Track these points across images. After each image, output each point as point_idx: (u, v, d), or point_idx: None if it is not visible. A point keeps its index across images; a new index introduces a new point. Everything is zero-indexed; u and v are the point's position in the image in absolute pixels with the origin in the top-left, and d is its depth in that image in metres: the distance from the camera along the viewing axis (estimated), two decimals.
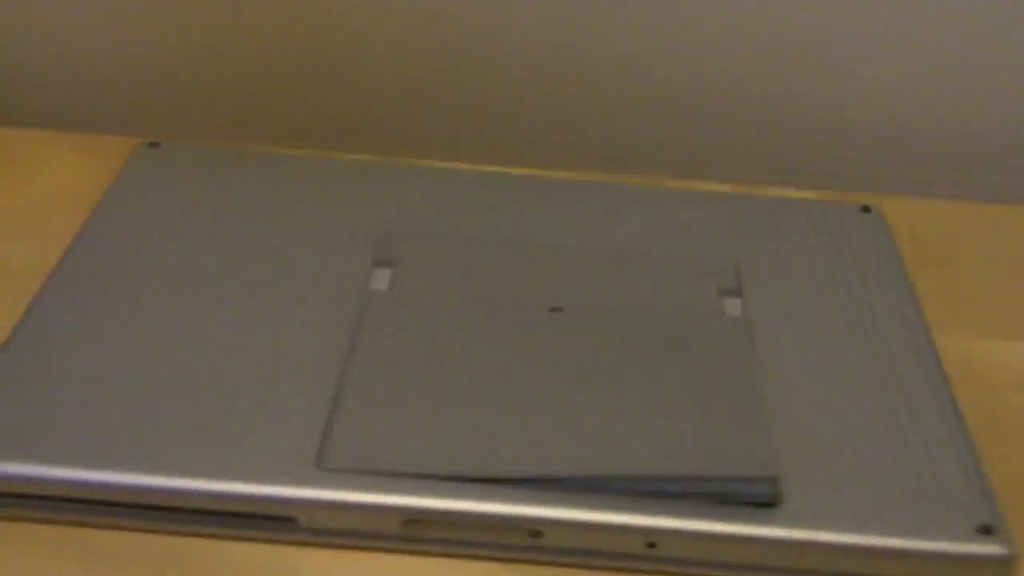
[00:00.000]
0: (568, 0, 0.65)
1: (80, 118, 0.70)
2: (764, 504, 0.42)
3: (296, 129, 0.70)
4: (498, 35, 0.66)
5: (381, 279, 0.52)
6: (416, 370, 0.46)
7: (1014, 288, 0.57)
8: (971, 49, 0.65)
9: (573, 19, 0.66)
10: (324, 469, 0.42)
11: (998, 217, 0.63)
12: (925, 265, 0.56)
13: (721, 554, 0.42)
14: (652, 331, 0.49)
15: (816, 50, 0.66)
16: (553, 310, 0.50)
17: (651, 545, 0.42)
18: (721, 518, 0.42)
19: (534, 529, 0.42)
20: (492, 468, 0.42)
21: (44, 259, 0.52)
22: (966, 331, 0.54)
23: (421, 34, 0.67)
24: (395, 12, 0.66)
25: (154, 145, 0.61)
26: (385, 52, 0.67)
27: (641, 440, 0.44)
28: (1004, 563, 0.41)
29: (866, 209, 0.59)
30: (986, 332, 0.54)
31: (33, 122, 0.69)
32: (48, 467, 0.42)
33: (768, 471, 0.42)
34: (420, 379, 0.46)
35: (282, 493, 0.42)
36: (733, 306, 0.51)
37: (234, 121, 0.70)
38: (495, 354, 0.47)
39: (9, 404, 0.44)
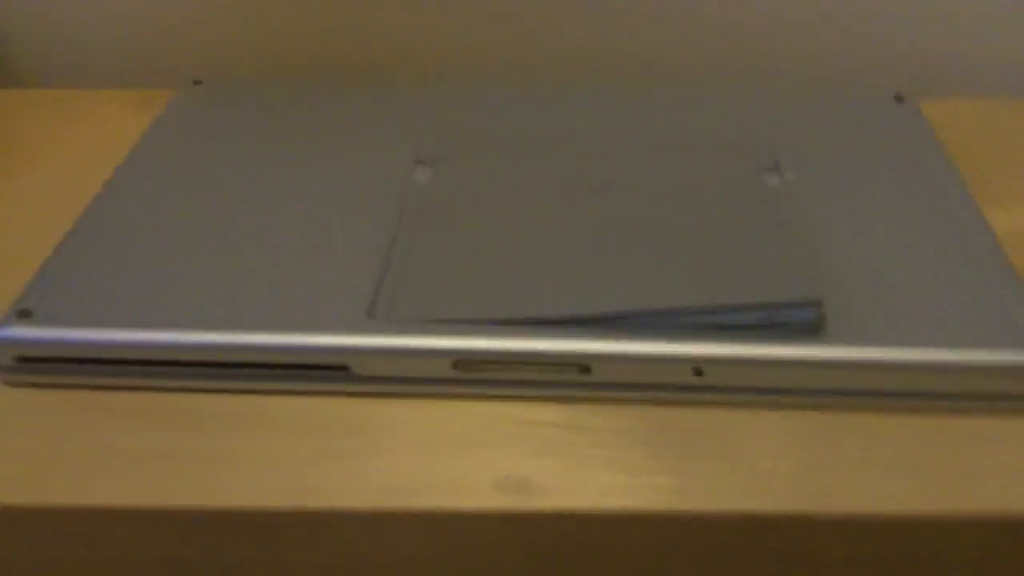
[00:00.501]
0: None
1: (126, 76, 0.72)
2: (809, 329, 0.42)
3: (331, 61, 0.72)
4: None
5: (423, 174, 0.53)
6: (463, 232, 0.48)
7: None
8: None
9: None
10: (376, 318, 0.43)
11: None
12: (963, 156, 0.57)
13: (767, 379, 0.43)
14: (693, 195, 0.50)
15: None
16: (595, 189, 0.51)
17: (698, 373, 0.42)
18: (767, 343, 0.42)
19: (583, 364, 0.43)
20: (540, 310, 0.43)
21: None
22: (1008, 202, 0.54)
23: None
24: None
25: (198, 83, 0.63)
26: None
27: (685, 276, 0.44)
28: None
29: (899, 99, 0.59)
30: None
31: (84, 82, 0.71)
32: (105, 331, 0.44)
33: (811, 294, 0.43)
34: (468, 239, 0.47)
35: (336, 342, 0.43)
36: (771, 179, 0.52)
37: (273, 62, 0.71)
38: (539, 218, 0.48)
39: (72, 279, 0.46)
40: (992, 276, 0.45)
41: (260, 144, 0.55)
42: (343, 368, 0.43)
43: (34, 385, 0.44)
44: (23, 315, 0.44)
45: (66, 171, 0.58)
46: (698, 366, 0.42)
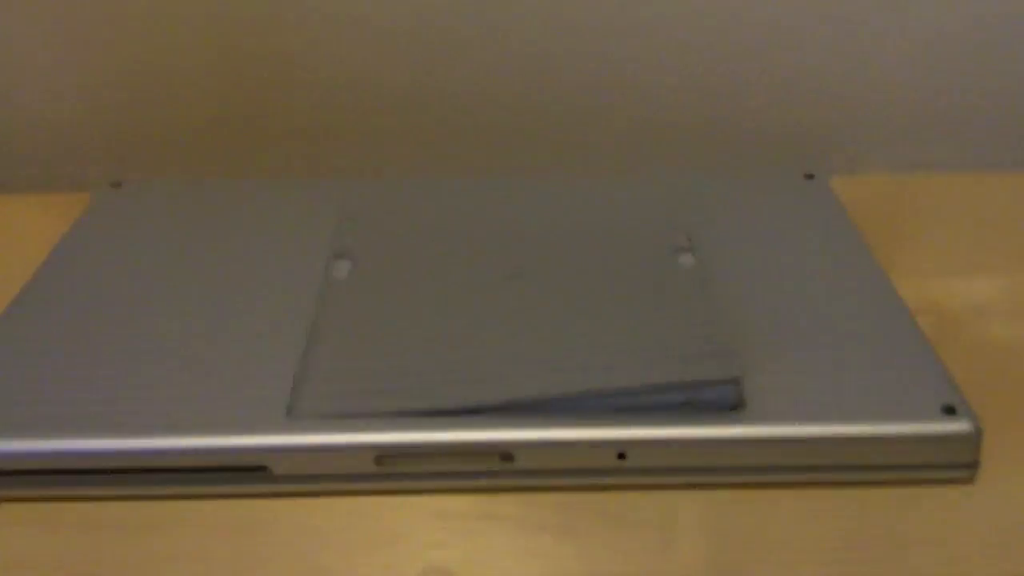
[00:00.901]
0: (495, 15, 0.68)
1: (41, 178, 0.72)
2: (729, 408, 0.43)
3: (251, 156, 0.72)
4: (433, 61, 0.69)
5: (341, 269, 0.53)
6: (379, 326, 0.47)
7: (957, 237, 0.59)
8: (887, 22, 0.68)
9: (502, 33, 0.68)
10: (295, 417, 0.43)
11: (931, 185, 0.65)
12: (873, 230, 0.58)
13: (690, 459, 0.43)
14: (608, 279, 0.50)
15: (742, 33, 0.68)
16: (510, 277, 0.51)
17: (621, 456, 0.42)
18: (688, 424, 0.42)
19: (505, 453, 0.42)
20: (461, 399, 0.43)
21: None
22: (919, 274, 0.55)
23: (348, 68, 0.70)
24: (329, 42, 0.69)
25: (116, 185, 0.62)
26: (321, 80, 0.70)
27: (603, 358, 0.44)
28: (970, 439, 0.42)
29: (809, 176, 0.60)
30: (939, 272, 0.56)
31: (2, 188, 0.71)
32: (11, 440, 0.43)
33: (730, 373, 0.43)
34: (385, 332, 0.47)
35: (254, 442, 0.42)
36: (685, 260, 0.53)
37: (194, 156, 0.72)
38: (457, 308, 0.48)
39: None
40: (906, 348, 0.46)
41: (178, 244, 0.55)
42: (262, 468, 0.43)
43: None
44: None
45: None
46: (621, 449, 0.42)
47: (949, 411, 0.42)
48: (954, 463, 0.42)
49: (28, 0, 0.67)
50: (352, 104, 0.70)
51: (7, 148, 0.71)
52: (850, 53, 0.68)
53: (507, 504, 0.43)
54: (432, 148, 0.71)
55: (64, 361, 0.46)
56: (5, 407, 0.44)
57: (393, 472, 0.43)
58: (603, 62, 0.68)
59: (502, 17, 0.67)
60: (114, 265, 0.53)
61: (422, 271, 0.51)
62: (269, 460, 0.42)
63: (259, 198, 0.59)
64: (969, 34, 0.67)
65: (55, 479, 0.43)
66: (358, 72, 0.69)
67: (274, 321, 0.48)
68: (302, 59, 0.69)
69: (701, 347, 0.45)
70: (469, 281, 0.50)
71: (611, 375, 0.43)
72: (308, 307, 0.49)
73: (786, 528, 0.41)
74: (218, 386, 0.45)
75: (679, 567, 0.40)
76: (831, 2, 0.66)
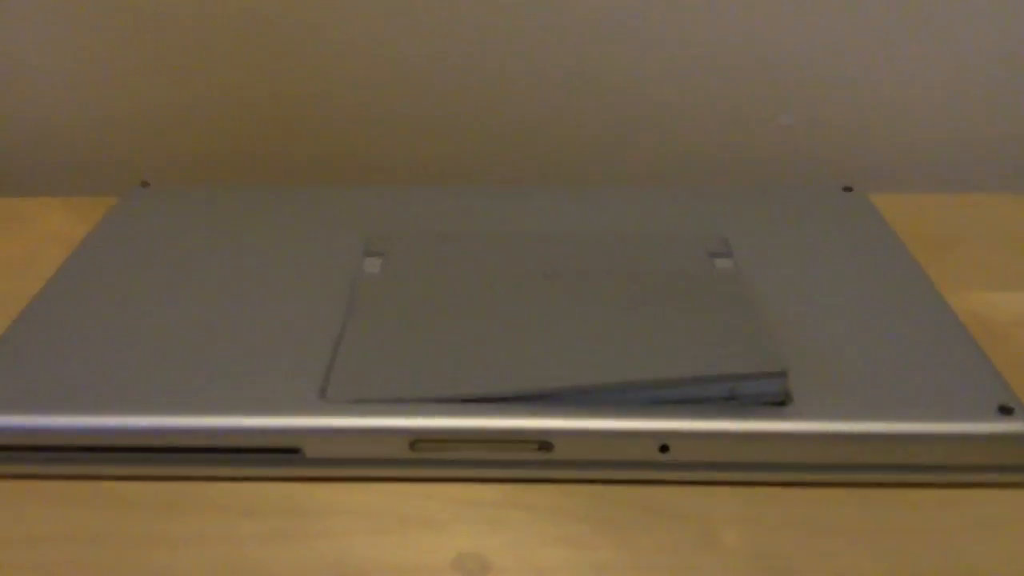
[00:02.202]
0: (529, 25, 0.67)
1: (77, 183, 0.71)
2: (775, 401, 0.42)
3: (277, 174, 0.71)
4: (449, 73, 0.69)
5: (373, 265, 0.52)
6: (415, 316, 0.47)
7: (995, 253, 0.58)
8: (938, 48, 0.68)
9: (536, 42, 0.68)
10: (330, 400, 0.42)
11: (969, 204, 0.64)
12: (908, 245, 0.57)
13: (733, 453, 0.41)
14: (648, 278, 0.49)
15: (792, 55, 0.68)
16: (547, 276, 0.50)
17: (664, 449, 0.41)
18: (732, 417, 0.41)
19: (544, 442, 0.41)
20: (499, 386, 0.42)
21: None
22: (962, 287, 0.54)
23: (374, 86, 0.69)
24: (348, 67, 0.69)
25: (145, 184, 0.62)
26: (345, 101, 0.70)
27: (647, 349, 0.43)
28: None
29: (847, 189, 0.60)
30: (982, 286, 0.55)
31: (33, 191, 0.70)
32: (52, 417, 0.42)
33: (776, 366, 0.42)
34: (420, 322, 0.46)
35: (288, 423, 0.42)
36: (724, 264, 0.52)
37: (219, 173, 0.71)
38: (493, 302, 0.47)
39: (24, 366, 0.44)
40: (957, 349, 0.45)
41: (210, 240, 0.54)
42: (295, 451, 0.41)
43: None
44: None
45: (9, 273, 0.57)
46: (664, 441, 0.41)
47: (1006, 411, 0.41)
48: (1010, 465, 0.41)
49: (56, 10, 0.66)
50: (384, 121, 0.69)
51: (35, 153, 0.70)
52: (882, 78, 0.67)
53: (544, 494, 0.41)
54: (463, 164, 0.70)
55: (100, 345, 0.45)
56: (44, 387, 0.43)
57: (428, 458, 0.42)
58: (636, 80, 0.68)
59: (534, 44, 0.67)
60: (144, 258, 0.53)
61: (456, 268, 0.51)
62: (303, 442, 0.41)
63: (288, 202, 0.59)
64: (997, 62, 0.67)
65: (91, 457, 0.42)
66: (384, 89, 0.68)
67: (307, 310, 0.48)
68: (330, 82, 0.68)
69: (745, 341, 0.44)
70: (505, 277, 0.49)
71: (654, 366, 0.42)
72: (341, 298, 0.48)
73: (832, 526, 0.40)
74: (253, 369, 0.44)
75: (720, 562, 0.38)
76: (865, 27, 0.66)
